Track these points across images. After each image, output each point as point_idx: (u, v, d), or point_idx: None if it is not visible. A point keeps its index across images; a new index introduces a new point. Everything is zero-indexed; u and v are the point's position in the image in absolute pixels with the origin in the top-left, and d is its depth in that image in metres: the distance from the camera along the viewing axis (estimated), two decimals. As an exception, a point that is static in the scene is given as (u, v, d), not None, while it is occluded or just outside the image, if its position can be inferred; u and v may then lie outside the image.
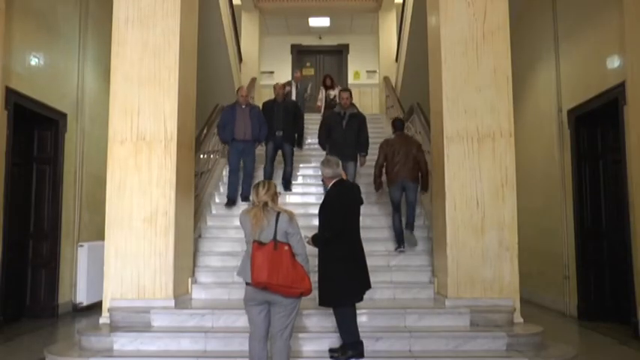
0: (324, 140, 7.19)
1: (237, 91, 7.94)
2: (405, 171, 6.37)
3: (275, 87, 8.23)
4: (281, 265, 3.72)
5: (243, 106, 7.56)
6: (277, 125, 7.70)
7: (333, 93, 10.25)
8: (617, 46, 6.09)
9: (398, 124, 6.85)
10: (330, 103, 10.03)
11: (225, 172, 8.03)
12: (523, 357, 4.44)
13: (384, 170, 6.61)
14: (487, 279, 5.23)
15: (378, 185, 6.75)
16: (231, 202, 7.44)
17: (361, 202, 4.70)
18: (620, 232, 6.30)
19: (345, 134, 6.99)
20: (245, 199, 7.36)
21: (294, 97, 9.60)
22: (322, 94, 10.46)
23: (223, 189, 7.82)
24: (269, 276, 3.69)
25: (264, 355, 3.87)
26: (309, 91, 10.47)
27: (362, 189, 5.03)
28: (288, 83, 10.02)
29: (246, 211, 3.97)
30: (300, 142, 9.01)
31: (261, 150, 8.00)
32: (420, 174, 6.49)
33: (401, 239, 6.43)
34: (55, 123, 7.27)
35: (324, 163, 4.67)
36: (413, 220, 6.48)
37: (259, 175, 7.78)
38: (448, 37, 5.51)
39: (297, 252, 3.83)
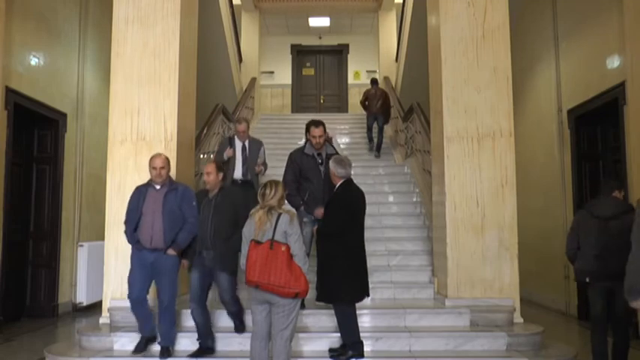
0: (295, 191, 5.08)
1: (150, 160, 4.60)
2: (376, 107, 9.98)
3: (206, 174, 4.59)
4: (275, 264, 3.71)
5: (158, 187, 4.54)
6: (204, 240, 4.46)
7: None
8: (617, 46, 6.09)
9: (374, 81, 10.61)
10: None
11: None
12: (523, 357, 4.44)
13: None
14: (487, 279, 5.23)
15: (365, 108, 10.26)
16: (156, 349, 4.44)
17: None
18: (620, 232, 6.28)
19: (326, 184, 5.02)
20: (165, 354, 4.37)
21: (239, 167, 5.99)
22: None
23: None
24: (260, 275, 3.70)
25: (264, 355, 3.87)
26: (263, 159, 6.18)
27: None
28: (229, 140, 6.16)
29: (251, 214, 3.96)
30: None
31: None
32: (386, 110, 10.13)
33: (372, 146, 9.95)
34: (55, 123, 7.27)
35: (339, 162, 4.60)
36: (380, 144, 9.78)
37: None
38: (448, 37, 5.51)
39: (294, 252, 3.81)
